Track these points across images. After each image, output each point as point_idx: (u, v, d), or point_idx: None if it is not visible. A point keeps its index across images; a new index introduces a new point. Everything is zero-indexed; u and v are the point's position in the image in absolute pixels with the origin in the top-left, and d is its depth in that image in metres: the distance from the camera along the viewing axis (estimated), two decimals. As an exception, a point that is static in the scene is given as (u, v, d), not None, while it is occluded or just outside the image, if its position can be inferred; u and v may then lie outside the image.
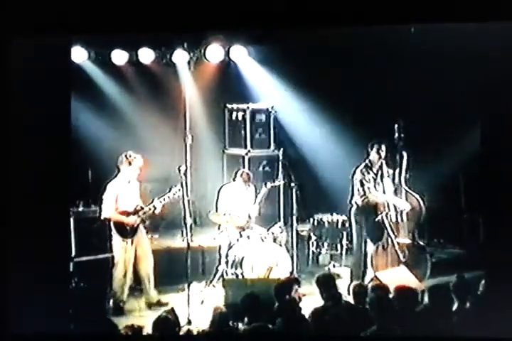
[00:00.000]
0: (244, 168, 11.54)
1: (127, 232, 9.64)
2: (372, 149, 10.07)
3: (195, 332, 7.23)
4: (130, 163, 9.65)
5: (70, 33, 7.99)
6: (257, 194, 10.58)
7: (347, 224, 10.95)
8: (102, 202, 9.68)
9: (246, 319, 7.20)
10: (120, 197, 9.67)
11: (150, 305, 9.68)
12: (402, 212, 10.00)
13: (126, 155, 9.65)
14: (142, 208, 9.71)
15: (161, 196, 9.68)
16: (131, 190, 9.76)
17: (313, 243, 11.38)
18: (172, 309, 7.40)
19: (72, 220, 9.98)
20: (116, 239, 9.63)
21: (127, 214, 9.67)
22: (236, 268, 10.01)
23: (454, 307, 7.19)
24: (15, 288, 7.71)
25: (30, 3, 7.59)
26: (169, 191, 9.61)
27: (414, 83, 10.87)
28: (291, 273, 10.22)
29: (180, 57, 11.56)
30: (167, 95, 11.87)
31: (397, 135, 9.98)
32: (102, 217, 9.74)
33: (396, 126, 9.98)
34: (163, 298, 9.77)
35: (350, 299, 7.65)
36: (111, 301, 9.58)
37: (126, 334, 6.79)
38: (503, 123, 7.39)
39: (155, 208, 9.69)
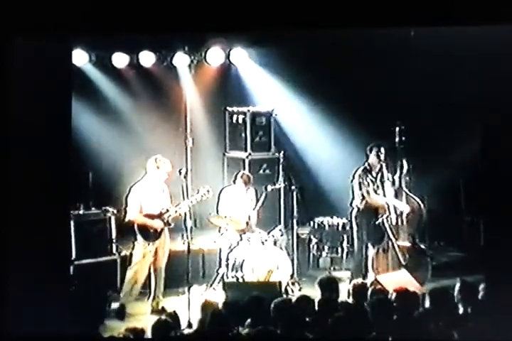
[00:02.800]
0: (244, 170, 11.54)
1: (151, 235, 9.59)
2: (371, 152, 10.09)
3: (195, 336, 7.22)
4: (158, 167, 9.62)
5: (71, 36, 7.99)
6: (257, 197, 10.58)
7: (347, 227, 10.96)
8: (127, 204, 9.63)
9: (247, 322, 7.18)
10: (145, 200, 9.62)
11: (154, 311, 9.64)
12: (402, 215, 10.01)
13: (156, 159, 9.62)
14: (168, 210, 9.66)
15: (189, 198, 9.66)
16: (157, 193, 9.69)
17: (313, 246, 11.37)
18: (174, 312, 7.38)
19: (72, 223, 9.97)
20: (140, 242, 9.57)
21: (152, 217, 9.62)
22: (236, 271, 10.00)
23: (455, 310, 7.19)
24: (15, 291, 7.70)
25: (30, 5, 7.58)
26: (198, 192, 9.64)
27: (414, 86, 10.88)
28: (292, 276, 10.23)
29: (180, 60, 11.56)
30: (168, 98, 11.88)
31: (397, 138, 10.00)
32: (126, 219, 9.70)
33: (397, 129, 10.01)
34: (166, 305, 9.69)
35: (350, 299, 7.65)
36: (116, 304, 9.58)
37: (127, 337, 6.78)
38: (503, 126, 7.38)
39: (181, 210, 9.64)
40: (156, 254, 9.66)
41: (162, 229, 9.66)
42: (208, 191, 9.69)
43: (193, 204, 9.69)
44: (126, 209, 9.66)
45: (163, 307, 9.63)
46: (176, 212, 9.64)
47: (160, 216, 9.64)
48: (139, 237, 9.58)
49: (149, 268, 9.69)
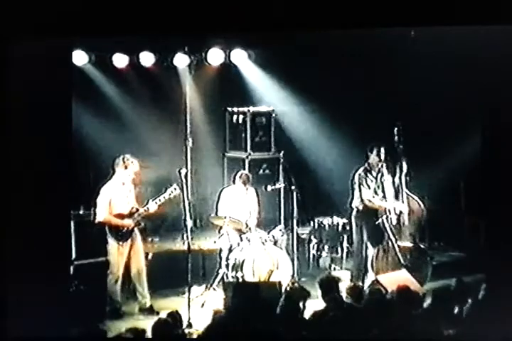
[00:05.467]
0: (244, 170, 11.53)
1: (122, 235, 9.58)
2: (371, 152, 10.09)
3: (195, 335, 7.23)
4: (126, 167, 9.62)
5: (71, 37, 8.00)
6: (257, 197, 10.59)
7: (347, 227, 10.95)
8: (96, 206, 9.62)
9: (246, 322, 7.18)
10: (114, 200, 9.61)
11: (142, 310, 9.64)
12: (402, 215, 10.01)
13: (123, 159, 9.62)
14: (137, 210, 9.66)
15: (155, 197, 9.66)
16: (125, 193, 9.69)
17: (313, 246, 11.37)
18: (176, 311, 7.37)
19: (72, 223, 9.96)
20: (111, 242, 9.58)
21: (122, 216, 9.62)
22: (236, 272, 10.01)
23: (455, 310, 7.20)
24: (15, 291, 7.71)
25: (30, 6, 7.60)
26: (165, 191, 9.60)
27: (414, 86, 10.88)
28: (292, 276, 10.23)
29: (181, 60, 11.56)
30: (168, 98, 11.88)
31: (397, 138, 10.01)
32: (96, 221, 9.67)
33: (396, 129, 10.02)
34: (157, 305, 9.69)
35: (348, 300, 7.65)
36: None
37: (127, 338, 6.78)
38: (504, 126, 7.39)
39: (148, 209, 9.64)
40: (129, 255, 9.62)
41: (132, 229, 9.64)
42: (176, 188, 9.58)
43: (192, 204, 9.67)
44: (96, 211, 9.63)
45: (151, 306, 9.64)
46: (144, 211, 9.64)
47: (130, 215, 9.63)
48: (110, 239, 9.55)
49: (128, 269, 9.65)
